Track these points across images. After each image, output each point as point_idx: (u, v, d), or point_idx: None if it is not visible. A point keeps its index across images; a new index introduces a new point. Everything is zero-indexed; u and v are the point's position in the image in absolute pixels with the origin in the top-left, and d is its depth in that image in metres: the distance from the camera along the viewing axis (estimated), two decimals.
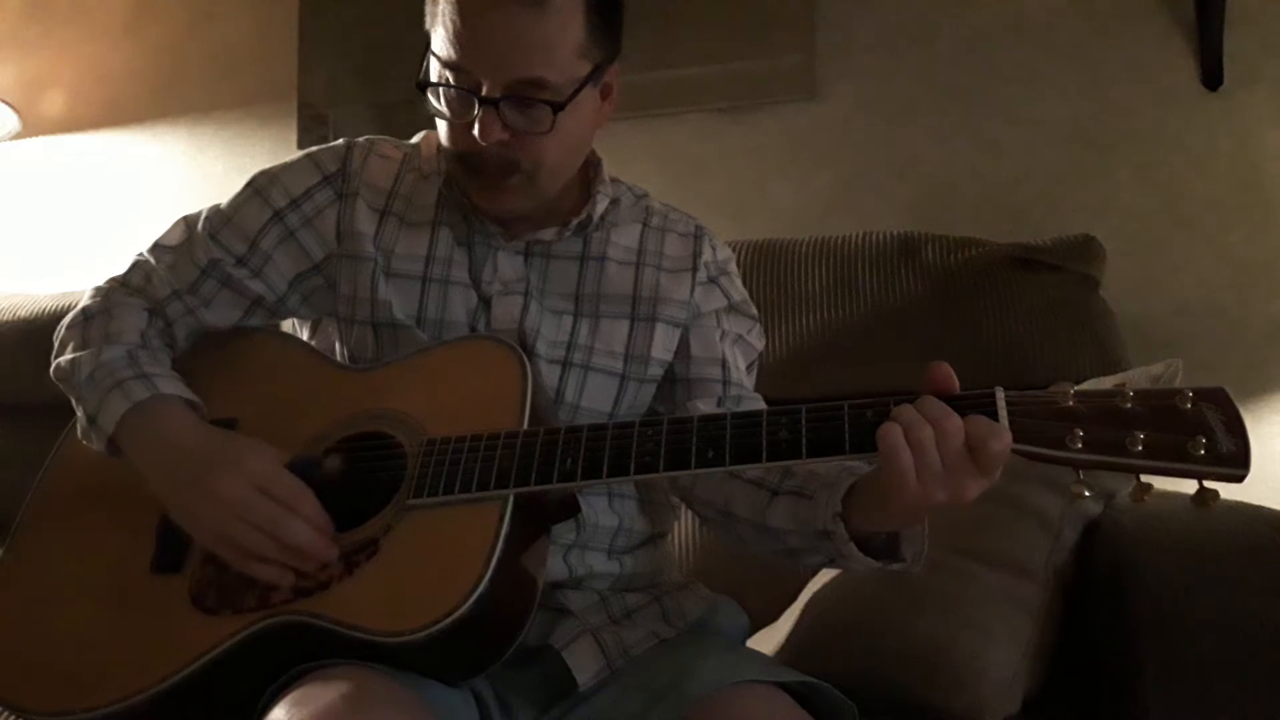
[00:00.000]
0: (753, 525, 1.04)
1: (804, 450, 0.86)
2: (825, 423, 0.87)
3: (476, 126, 1.00)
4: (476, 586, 0.86)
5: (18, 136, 2.55)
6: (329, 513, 0.96)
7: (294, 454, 1.00)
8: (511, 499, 0.91)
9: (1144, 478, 0.81)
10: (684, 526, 1.58)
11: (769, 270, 1.75)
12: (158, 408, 1.02)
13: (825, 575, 1.30)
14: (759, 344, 1.21)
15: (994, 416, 0.82)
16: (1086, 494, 0.83)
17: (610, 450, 0.91)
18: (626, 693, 0.95)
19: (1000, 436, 0.81)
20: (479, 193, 1.08)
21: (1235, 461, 0.77)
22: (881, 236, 1.74)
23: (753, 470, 1.04)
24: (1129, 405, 0.80)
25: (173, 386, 1.04)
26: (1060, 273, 1.65)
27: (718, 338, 1.16)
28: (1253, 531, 1.15)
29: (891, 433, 0.83)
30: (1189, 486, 0.79)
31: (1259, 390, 1.75)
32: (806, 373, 1.68)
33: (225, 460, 0.97)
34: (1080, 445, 0.79)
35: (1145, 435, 0.78)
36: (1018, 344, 1.61)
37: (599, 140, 1.14)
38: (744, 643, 1.16)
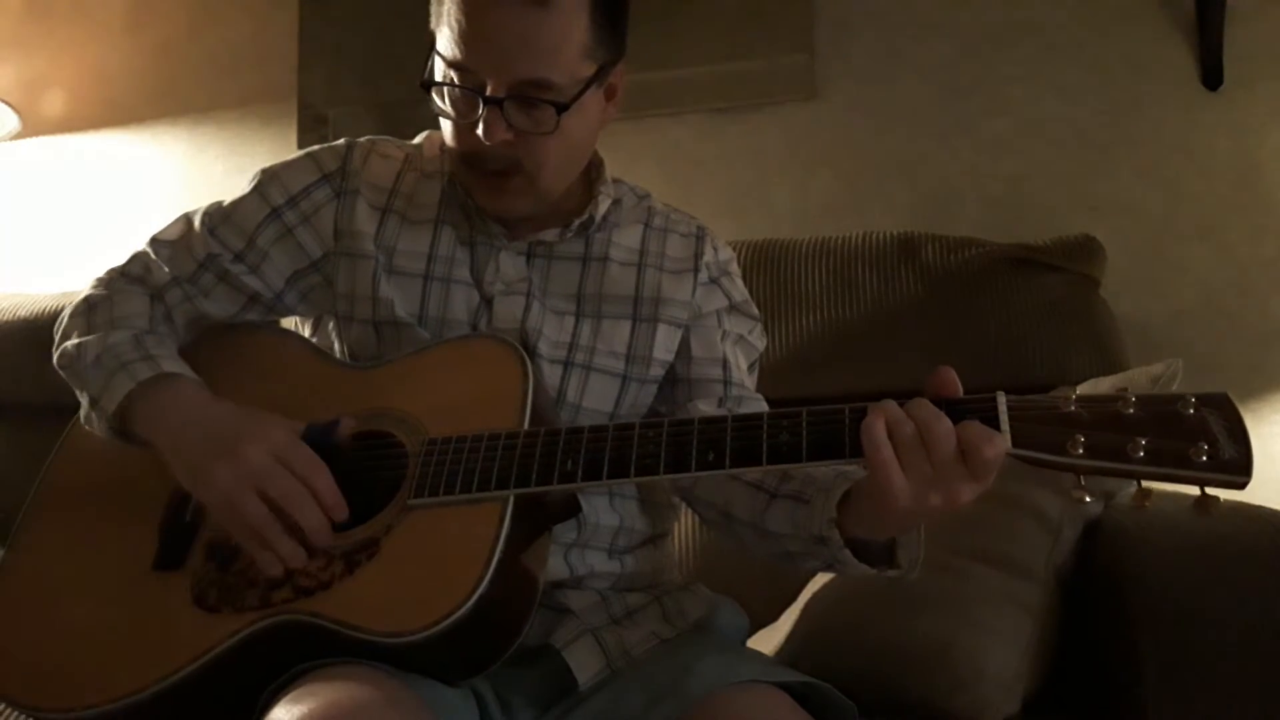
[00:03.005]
0: (752, 528, 1.04)
1: (804, 453, 0.86)
2: (826, 425, 0.86)
3: (480, 126, 1.00)
4: (477, 587, 0.86)
5: (18, 136, 2.54)
6: None
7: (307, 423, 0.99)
8: (512, 499, 0.91)
9: (1145, 484, 0.80)
10: (685, 527, 1.58)
11: (769, 270, 1.75)
12: (167, 384, 1.03)
13: (825, 575, 1.30)
14: (760, 344, 1.21)
15: (995, 421, 0.82)
16: (1088, 499, 0.82)
17: (611, 452, 0.91)
18: (627, 693, 0.95)
19: (994, 442, 0.80)
20: (482, 192, 1.08)
21: (1237, 469, 0.76)
22: (881, 236, 1.74)
23: (752, 473, 1.04)
24: (1131, 411, 0.79)
25: (178, 367, 1.05)
26: (1060, 273, 1.65)
27: (719, 338, 1.15)
28: (1253, 532, 1.15)
29: (874, 428, 0.82)
30: (1190, 489, 0.79)
31: (1260, 391, 1.75)
32: (806, 373, 1.68)
33: (252, 429, 0.96)
34: (1081, 451, 0.79)
35: (1147, 441, 0.78)
36: (1017, 344, 1.61)
37: (599, 140, 1.14)
38: (744, 643, 1.16)
